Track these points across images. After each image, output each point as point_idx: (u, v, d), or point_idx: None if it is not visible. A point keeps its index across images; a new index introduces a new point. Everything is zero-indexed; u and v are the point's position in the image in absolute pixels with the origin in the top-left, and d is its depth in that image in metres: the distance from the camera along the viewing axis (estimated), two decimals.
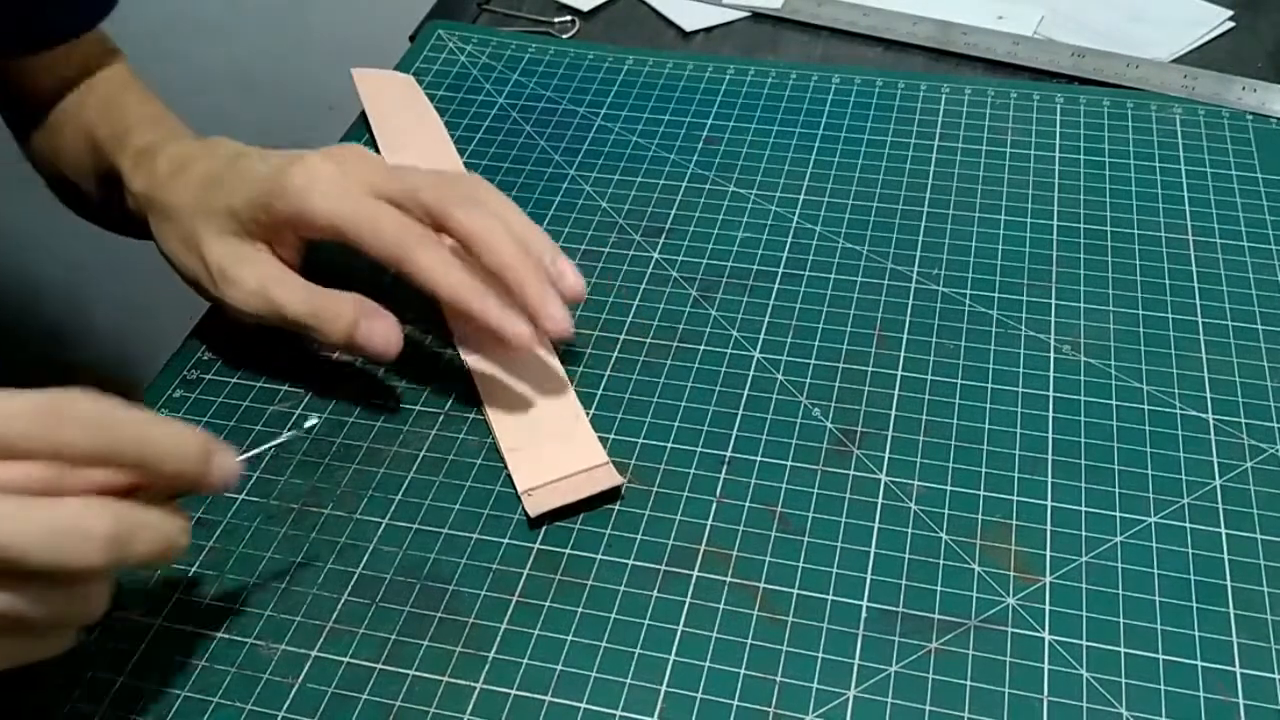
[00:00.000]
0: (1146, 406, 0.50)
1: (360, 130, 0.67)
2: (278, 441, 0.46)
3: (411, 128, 0.66)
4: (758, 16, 0.77)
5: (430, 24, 0.76)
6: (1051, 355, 0.53)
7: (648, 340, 0.54)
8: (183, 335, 0.56)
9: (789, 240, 0.59)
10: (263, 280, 0.49)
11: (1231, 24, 0.75)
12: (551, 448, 0.49)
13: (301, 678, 0.42)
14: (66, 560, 0.34)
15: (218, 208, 0.50)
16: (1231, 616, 0.43)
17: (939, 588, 0.44)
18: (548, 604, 0.44)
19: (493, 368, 0.52)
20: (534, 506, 0.46)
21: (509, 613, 0.44)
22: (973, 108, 0.67)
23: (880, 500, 0.47)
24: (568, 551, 0.46)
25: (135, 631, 0.44)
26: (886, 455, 0.49)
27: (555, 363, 0.53)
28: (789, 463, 0.49)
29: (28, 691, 0.42)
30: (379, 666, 0.42)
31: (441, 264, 0.47)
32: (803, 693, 0.41)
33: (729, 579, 0.45)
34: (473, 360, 0.53)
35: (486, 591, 0.44)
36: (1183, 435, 0.49)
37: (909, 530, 0.46)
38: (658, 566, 0.45)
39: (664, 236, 0.60)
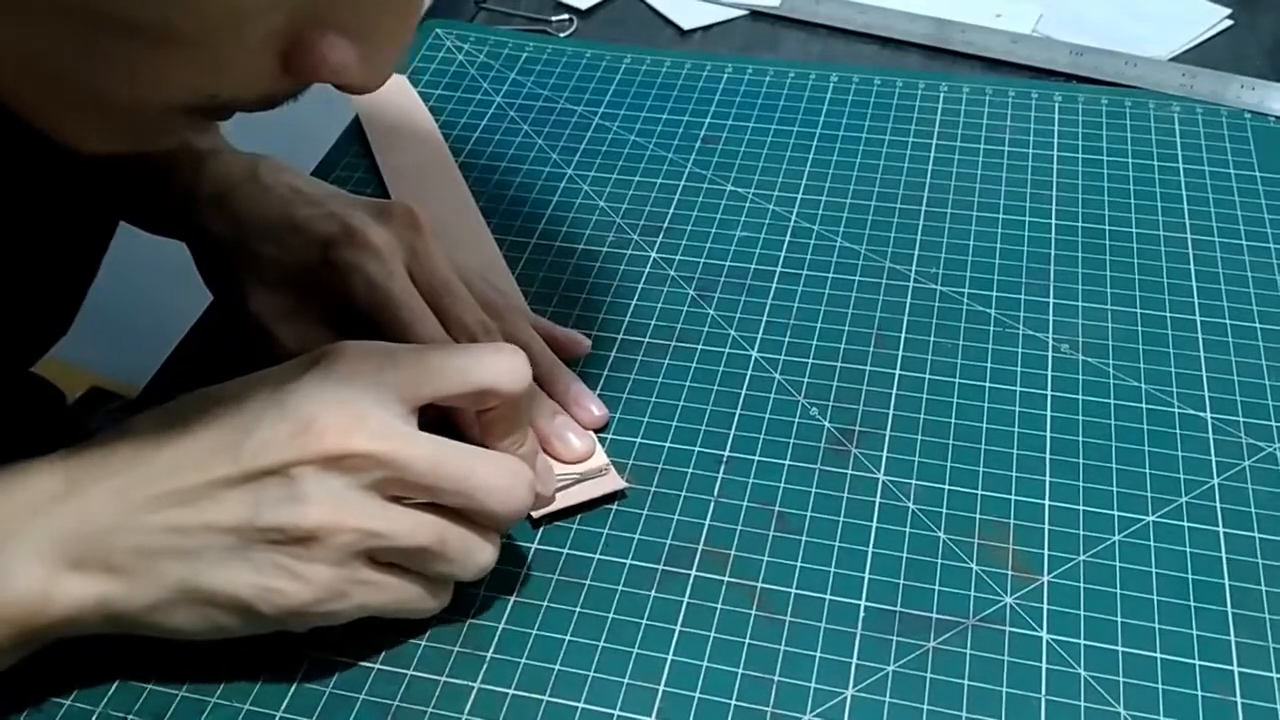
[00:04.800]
0: (1144, 405, 0.50)
1: (355, 132, 0.67)
2: None
3: (405, 129, 0.66)
4: (756, 15, 0.77)
5: (428, 22, 0.76)
6: (1049, 354, 0.53)
7: (645, 340, 0.54)
8: (181, 335, 0.56)
9: (787, 239, 0.59)
10: (303, 344, 0.49)
11: (1230, 22, 0.75)
12: None
13: (299, 677, 0.42)
14: (517, 496, 0.40)
15: (265, 257, 0.50)
16: (1229, 615, 0.43)
17: (937, 587, 0.44)
18: (546, 603, 0.44)
19: None
20: (537, 509, 0.46)
21: (507, 612, 0.44)
22: (970, 106, 0.67)
23: (878, 499, 0.47)
24: (566, 551, 0.46)
25: None
26: (884, 454, 0.49)
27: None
28: (787, 462, 0.49)
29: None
30: (377, 666, 0.42)
31: None
32: (800, 692, 0.41)
33: (727, 578, 0.45)
34: None
35: (484, 591, 0.44)
36: (1181, 434, 0.49)
37: (907, 529, 0.46)
38: (655, 566, 0.45)
39: (661, 235, 0.60)
